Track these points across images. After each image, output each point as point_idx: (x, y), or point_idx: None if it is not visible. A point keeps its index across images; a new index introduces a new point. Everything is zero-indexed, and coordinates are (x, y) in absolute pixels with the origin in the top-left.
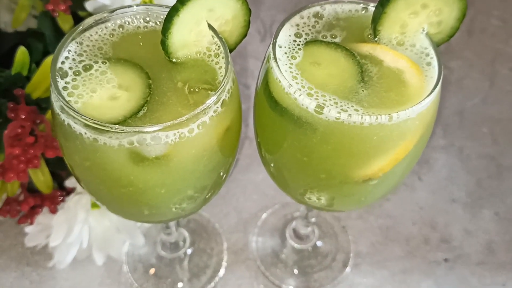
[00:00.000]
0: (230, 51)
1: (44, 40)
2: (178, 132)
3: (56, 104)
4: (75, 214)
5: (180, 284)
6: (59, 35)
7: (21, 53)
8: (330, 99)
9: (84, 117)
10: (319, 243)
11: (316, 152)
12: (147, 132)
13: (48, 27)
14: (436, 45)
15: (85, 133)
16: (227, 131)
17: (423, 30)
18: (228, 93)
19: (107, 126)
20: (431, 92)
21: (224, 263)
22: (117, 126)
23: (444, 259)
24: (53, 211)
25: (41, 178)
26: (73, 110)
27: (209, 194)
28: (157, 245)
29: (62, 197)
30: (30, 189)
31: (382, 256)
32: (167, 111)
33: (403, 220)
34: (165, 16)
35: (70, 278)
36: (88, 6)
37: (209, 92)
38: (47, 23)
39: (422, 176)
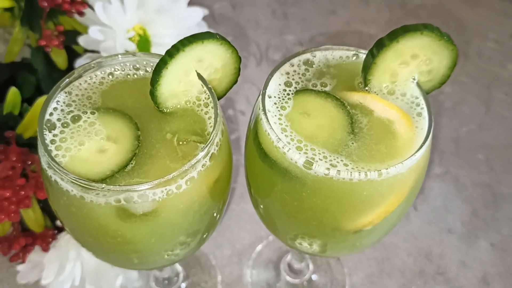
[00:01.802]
0: (221, 97)
1: (38, 74)
2: (165, 189)
3: (43, 159)
4: (67, 252)
5: None
6: (52, 70)
7: (12, 93)
8: (319, 153)
9: (70, 176)
10: (314, 277)
11: (306, 204)
12: (134, 190)
13: (40, 63)
14: (427, 92)
15: (72, 190)
16: (217, 181)
17: (414, 79)
18: (217, 146)
19: (94, 186)
20: (421, 146)
21: None
22: (103, 185)
23: None
24: (45, 249)
25: (33, 216)
26: (60, 167)
27: (204, 235)
28: (151, 279)
29: (53, 235)
30: (22, 227)
31: None
32: (156, 164)
33: (398, 252)
34: (154, 67)
35: None
36: (81, 41)
37: (198, 144)
38: (40, 59)
39: (417, 206)
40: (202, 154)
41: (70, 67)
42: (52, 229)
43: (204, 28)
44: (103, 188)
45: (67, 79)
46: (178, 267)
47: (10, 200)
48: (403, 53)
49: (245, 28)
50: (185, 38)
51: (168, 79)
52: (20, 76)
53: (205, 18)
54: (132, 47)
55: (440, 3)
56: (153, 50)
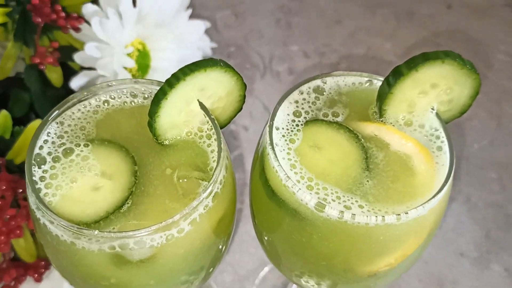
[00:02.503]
0: (224, 126)
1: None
2: (164, 234)
3: (31, 199)
4: (61, 283)
5: None
6: (46, 87)
7: (3, 117)
8: (332, 193)
9: (60, 221)
10: None
11: (316, 246)
12: (130, 237)
13: (34, 81)
14: (446, 122)
15: (62, 235)
16: (221, 220)
17: (433, 109)
18: (220, 184)
19: (85, 233)
20: (443, 185)
21: None
22: (96, 231)
23: None
24: (38, 280)
25: (24, 246)
26: (49, 211)
27: (209, 270)
28: None
29: (47, 266)
30: (13, 256)
31: None
32: (154, 204)
33: (409, 277)
34: (152, 94)
35: None
36: (77, 58)
37: (200, 181)
38: (34, 77)
39: None
40: (204, 195)
41: (66, 85)
42: (45, 259)
43: (206, 42)
44: (96, 234)
45: (57, 110)
46: None
47: (0, 230)
48: (422, 82)
49: (248, 38)
50: (186, 66)
51: (167, 110)
52: (12, 94)
53: (207, 29)
54: (131, 63)
55: (448, 13)
56: (153, 64)
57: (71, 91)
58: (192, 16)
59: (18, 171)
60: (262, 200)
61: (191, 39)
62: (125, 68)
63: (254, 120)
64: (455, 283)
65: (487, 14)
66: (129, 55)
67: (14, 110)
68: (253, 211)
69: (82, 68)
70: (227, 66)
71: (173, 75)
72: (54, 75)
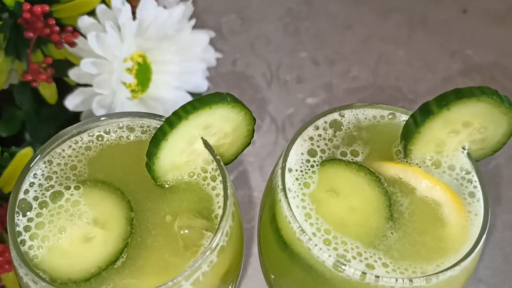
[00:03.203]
0: (230, 162)
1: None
2: None
3: (13, 253)
4: None
5: None
6: (39, 105)
7: None
8: (352, 248)
9: (44, 285)
10: None
11: None
12: None
13: (26, 100)
14: (477, 160)
15: None
16: (227, 273)
17: (464, 149)
18: (227, 235)
19: None
20: (478, 241)
21: None
22: None
23: None
24: None
25: (13, 279)
26: (32, 271)
27: None
28: None
29: None
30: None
31: None
32: (152, 259)
33: None
34: (152, 130)
35: None
36: (72, 75)
37: (204, 231)
38: (26, 95)
39: None
40: (208, 253)
41: (61, 102)
42: None
43: (210, 53)
44: None
45: (48, 147)
46: None
47: None
48: (453, 121)
49: (254, 44)
50: (189, 104)
51: (168, 151)
52: (5, 111)
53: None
54: (130, 79)
55: (464, 18)
56: (154, 78)
57: (67, 110)
58: (195, 22)
59: (7, 201)
60: (273, 249)
61: (195, 51)
62: (124, 83)
63: (260, 132)
64: None
65: (506, 18)
66: (128, 70)
67: (5, 128)
68: (262, 257)
69: (78, 85)
70: (234, 101)
71: (174, 113)
72: (48, 92)
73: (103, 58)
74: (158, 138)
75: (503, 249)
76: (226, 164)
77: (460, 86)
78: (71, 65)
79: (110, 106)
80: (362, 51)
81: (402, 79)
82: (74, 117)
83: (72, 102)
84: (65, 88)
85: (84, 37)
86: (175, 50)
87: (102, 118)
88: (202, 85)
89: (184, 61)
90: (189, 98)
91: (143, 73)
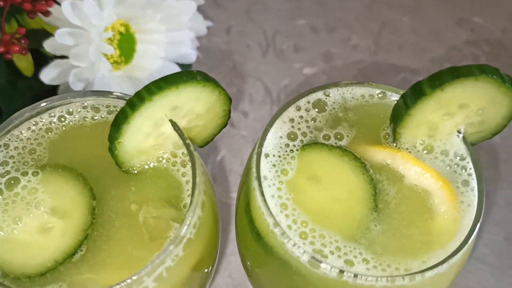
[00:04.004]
0: (205, 144)
1: None
2: None
3: None
4: None
5: None
6: (16, 78)
7: None
8: (330, 242)
9: None
10: None
11: None
12: None
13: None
14: (474, 144)
15: None
16: (198, 263)
17: (459, 133)
18: (194, 227)
19: None
20: (469, 235)
21: None
22: None
23: None
24: None
25: None
26: None
27: None
28: None
29: None
30: None
31: None
32: (113, 252)
33: None
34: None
35: None
36: (47, 46)
37: (172, 222)
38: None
39: None
40: (172, 247)
41: (37, 75)
42: None
43: (199, 21)
44: None
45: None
46: None
47: None
48: (448, 103)
49: (250, 11)
50: (153, 83)
51: (131, 135)
52: None
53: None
54: (111, 50)
55: None
56: (139, 48)
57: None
58: None
59: None
60: (248, 239)
61: (181, 20)
62: (105, 55)
63: (254, 104)
64: None
65: None
66: (109, 40)
67: None
68: (239, 244)
69: (55, 57)
70: (205, 80)
71: (137, 94)
72: (24, 64)
73: (80, 27)
74: (119, 121)
75: (504, 227)
76: (201, 146)
77: (467, 56)
78: (48, 35)
79: (89, 79)
80: (365, 18)
81: (406, 47)
82: (52, 90)
83: (47, 76)
84: (43, 60)
85: (59, 4)
86: (160, 19)
87: (65, 97)
88: (190, 56)
89: (170, 30)
90: (177, 69)
91: (126, 43)
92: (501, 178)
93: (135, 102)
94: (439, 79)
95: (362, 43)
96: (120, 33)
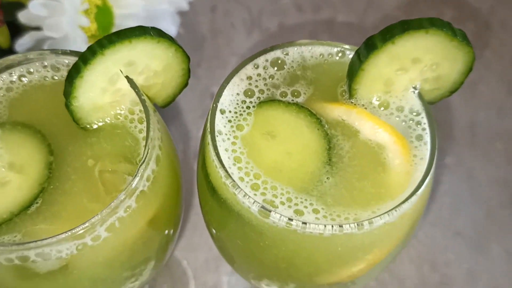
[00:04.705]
0: (167, 104)
1: None
2: (74, 244)
3: None
4: None
5: None
6: None
7: None
8: (282, 193)
9: None
10: None
11: (265, 255)
12: (28, 248)
13: None
14: (433, 102)
15: None
16: (155, 218)
17: (415, 88)
18: (148, 180)
19: None
20: (419, 185)
21: None
22: None
23: None
24: None
25: None
26: None
27: (163, 254)
28: None
29: None
30: None
31: None
32: (69, 204)
33: (399, 258)
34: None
35: None
36: (21, 17)
37: (127, 176)
38: None
39: None
40: (122, 196)
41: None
42: None
43: None
44: None
45: None
46: None
47: None
48: (401, 57)
49: None
50: (105, 38)
51: (86, 90)
52: None
53: None
54: (86, 22)
55: None
56: (117, 23)
57: None
58: None
59: None
60: (205, 195)
61: None
62: (82, 27)
63: None
64: (449, 265)
65: None
66: (85, 12)
67: None
68: (200, 203)
69: (30, 29)
70: (160, 36)
71: (89, 48)
72: (1, 37)
73: None
74: (72, 75)
75: (486, 203)
76: (163, 106)
77: None
78: (24, 7)
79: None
80: None
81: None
82: None
83: (22, 46)
84: (19, 32)
85: None
86: None
87: (25, 57)
88: (170, 31)
89: (149, 4)
90: None
91: (103, 17)
92: (485, 156)
93: (87, 56)
94: (390, 32)
95: (347, 21)
96: (97, 6)
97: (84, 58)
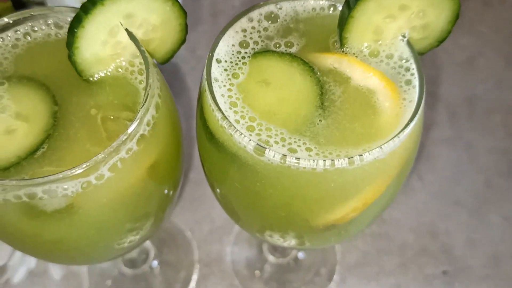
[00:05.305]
0: (166, 61)
1: None
2: (79, 182)
3: None
4: None
5: None
6: None
7: None
8: (276, 134)
9: None
10: (301, 255)
11: (262, 196)
12: (36, 184)
13: None
14: (423, 52)
15: None
16: (155, 166)
17: (404, 37)
18: (148, 125)
19: None
20: (408, 124)
21: (194, 277)
22: None
23: (443, 271)
24: None
25: None
26: None
27: (161, 214)
28: (119, 259)
29: None
30: None
31: (373, 268)
32: (73, 149)
33: (399, 227)
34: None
35: None
36: None
37: (128, 122)
38: None
39: (422, 175)
40: (124, 137)
41: None
42: None
43: None
44: None
45: None
46: (148, 244)
47: None
48: (388, 4)
49: None
50: None
51: (88, 41)
52: None
53: None
54: None
55: None
56: None
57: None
58: None
59: None
60: (204, 144)
61: None
62: None
63: None
64: (448, 233)
65: None
66: None
67: None
68: (200, 157)
69: (33, 2)
70: None
71: None
72: (4, 9)
73: None
74: (74, 25)
75: (485, 173)
76: (162, 63)
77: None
78: None
79: None
80: None
81: None
82: None
83: None
84: (24, 8)
85: None
86: None
87: (30, 14)
88: None
89: None
90: None
91: None
92: (484, 128)
93: (87, 6)
94: None
95: None
96: None
97: (85, 8)
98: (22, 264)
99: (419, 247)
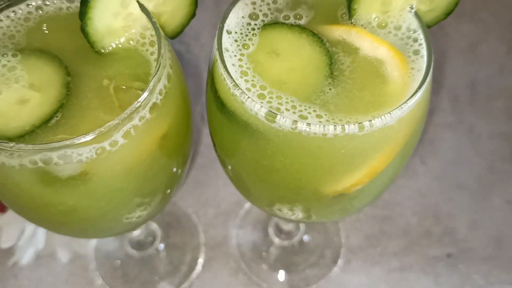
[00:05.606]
0: (176, 35)
1: None
2: (93, 147)
3: None
4: None
5: (151, 284)
6: None
7: None
8: (287, 102)
9: None
10: (306, 238)
11: (273, 164)
12: (51, 149)
13: None
14: (430, 25)
15: None
16: (166, 137)
17: (411, 8)
18: (160, 94)
19: (1, 145)
20: (416, 91)
21: (200, 260)
22: (12, 144)
23: (447, 254)
24: (2, 209)
25: None
26: None
27: (167, 191)
28: (126, 240)
29: None
30: None
31: (377, 251)
32: (86, 117)
33: (402, 210)
34: None
35: (33, 277)
36: None
37: (140, 92)
38: None
39: (425, 159)
40: (137, 104)
41: None
42: None
43: None
44: (12, 147)
45: None
46: (155, 226)
47: None
48: None
49: None
50: None
51: (100, 12)
52: None
53: None
54: None
55: None
56: None
57: None
58: None
59: None
60: (214, 116)
61: None
62: None
63: None
64: (451, 216)
65: None
66: None
67: None
68: (210, 132)
69: None
70: None
71: None
72: None
73: None
74: None
75: (487, 157)
76: (172, 37)
77: None
78: None
79: None
80: None
81: None
82: None
83: None
84: None
85: None
86: None
87: None
88: None
89: None
90: None
91: None
92: (486, 113)
93: None
94: None
95: None
96: None
97: None
98: (30, 246)
99: (422, 230)
